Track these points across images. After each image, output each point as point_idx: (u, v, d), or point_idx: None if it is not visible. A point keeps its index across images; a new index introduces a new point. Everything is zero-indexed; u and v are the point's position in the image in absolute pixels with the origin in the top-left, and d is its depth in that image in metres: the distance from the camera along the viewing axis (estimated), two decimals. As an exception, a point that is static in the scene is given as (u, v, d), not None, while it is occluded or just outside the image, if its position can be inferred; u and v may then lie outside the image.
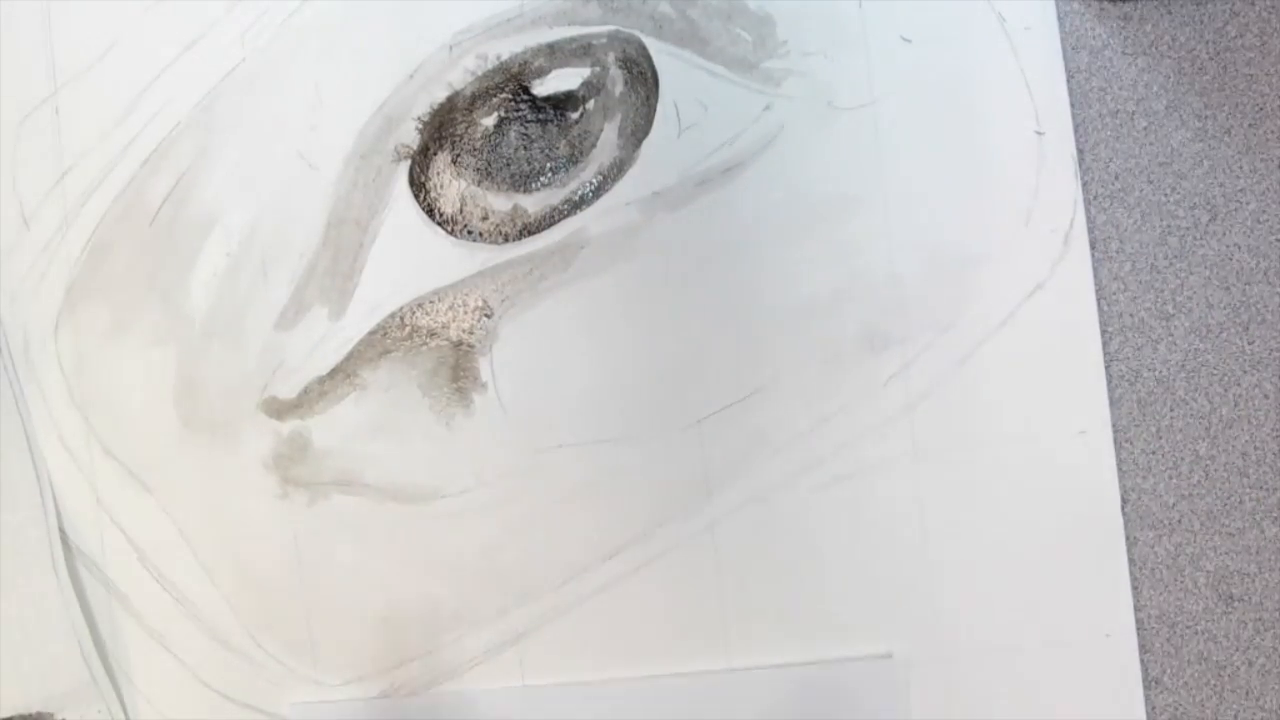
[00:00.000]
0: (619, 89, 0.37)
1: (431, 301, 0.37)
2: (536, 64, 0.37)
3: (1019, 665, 0.35)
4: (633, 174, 0.37)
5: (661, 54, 0.37)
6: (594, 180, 0.37)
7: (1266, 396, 0.37)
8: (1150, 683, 0.36)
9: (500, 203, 0.37)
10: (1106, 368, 0.37)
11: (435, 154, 0.37)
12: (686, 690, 0.36)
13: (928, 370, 0.37)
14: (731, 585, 0.37)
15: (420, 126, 0.37)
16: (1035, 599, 0.36)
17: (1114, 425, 0.37)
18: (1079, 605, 0.36)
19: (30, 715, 0.37)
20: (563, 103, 0.37)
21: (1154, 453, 0.37)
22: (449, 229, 0.37)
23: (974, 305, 0.37)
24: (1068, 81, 0.37)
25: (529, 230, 0.37)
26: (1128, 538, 0.36)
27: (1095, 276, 0.37)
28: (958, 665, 0.36)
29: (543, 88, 0.37)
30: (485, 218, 0.37)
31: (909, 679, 0.36)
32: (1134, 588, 0.36)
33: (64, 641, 0.37)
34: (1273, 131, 0.38)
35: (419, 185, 0.37)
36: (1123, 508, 0.37)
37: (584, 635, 0.37)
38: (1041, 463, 0.36)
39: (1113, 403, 0.37)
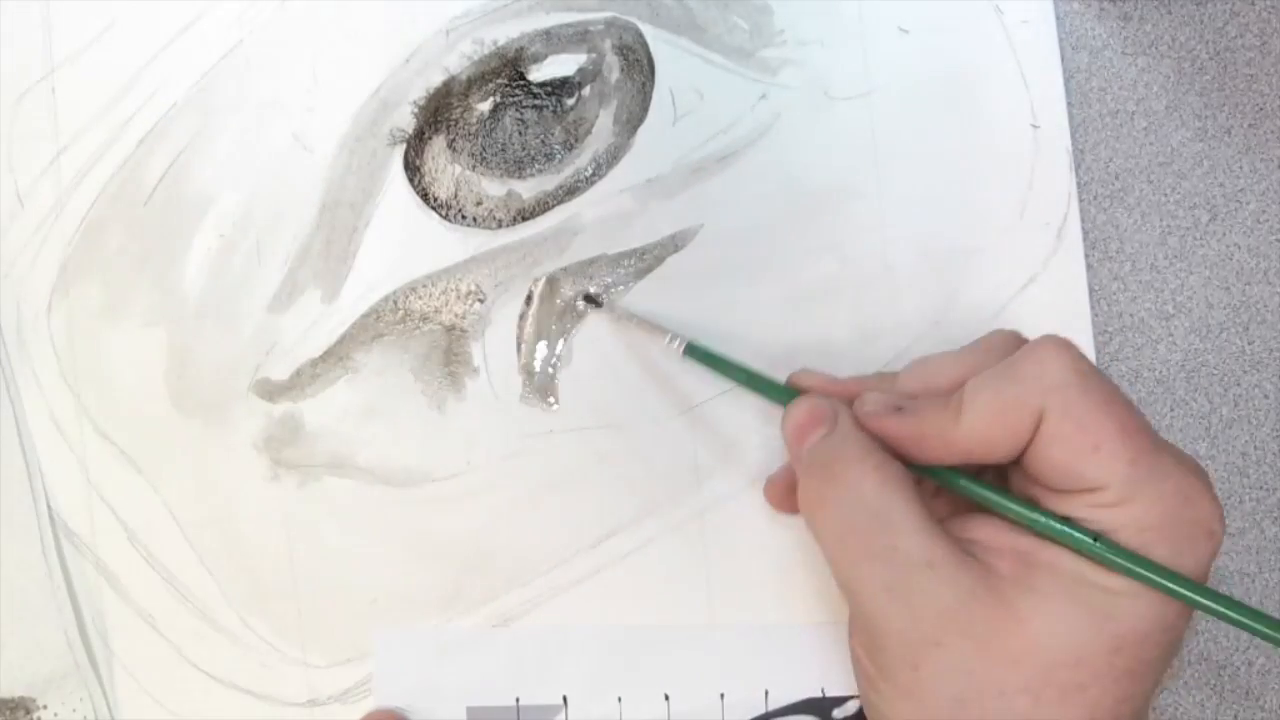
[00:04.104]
0: (615, 75, 0.33)
1: (425, 285, 0.34)
2: (533, 50, 0.33)
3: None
4: (627, 161, 0.34)
5: (658, 41, 0.34)
6: (589, 167, 0.33)
7: (1266, 396, 0.33)
8: (1148, 686, 0.32)
9: (495, 188, 0.33)
10: (1106, 368, 0.33)
11: (430, 138, 0.33)
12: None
13: None
14: (720, 573, 0.33)
15: (416, 111, 0.34)
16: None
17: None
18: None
19: (12, 701, 0.32)
20: (559, 89, 0.33)
21: (1154, 452, 0.33)
22: (443, 213, 0.34)
23: (966, 297, 0.34)
24: (1066, 82, 0.34)
25: (523, 216, 0.33)
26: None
27: (1095, 276, 0.34)
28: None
29: (539, 73, 0.33)
30: (479, 203, 0.33)
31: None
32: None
33: (50, 626, 0.33)
34: (1273, 131, 0.34)
35: (414, 169, 0.33)
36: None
37: (571, 621, 0.34)
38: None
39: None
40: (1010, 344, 0.27)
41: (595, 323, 0.34)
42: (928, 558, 0.25)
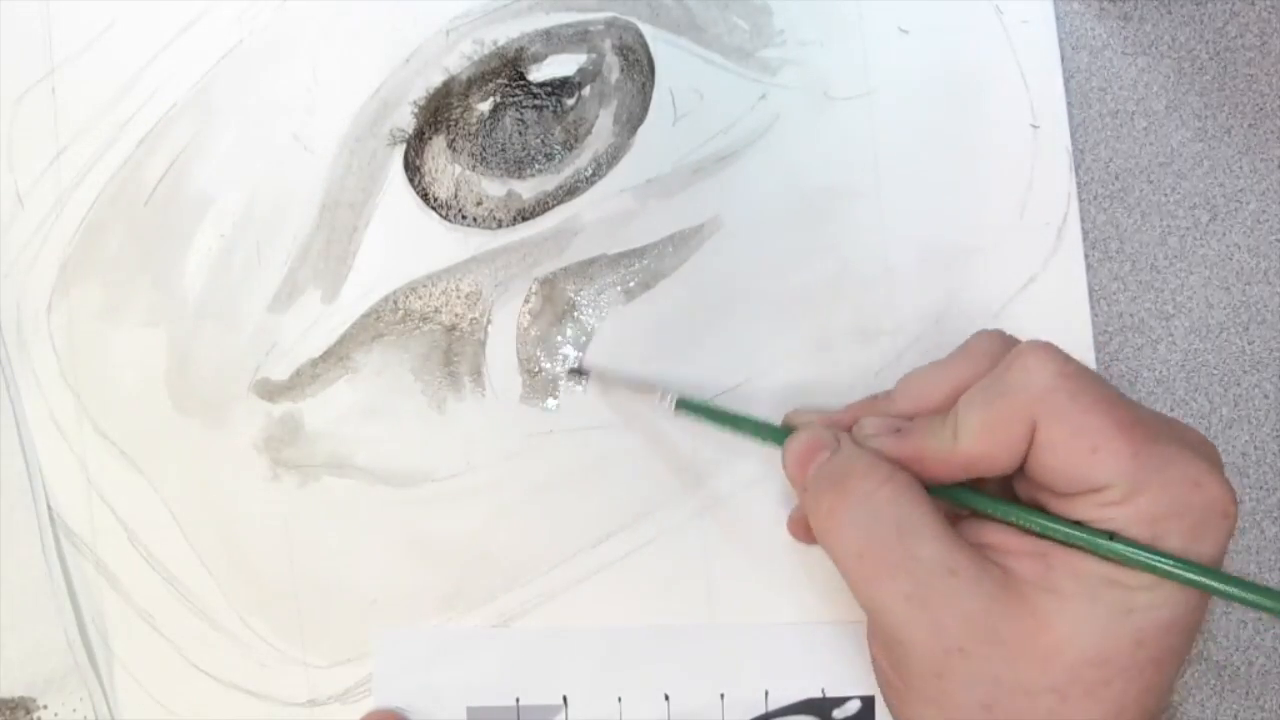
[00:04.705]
0: (615, 76, 0.33)
1: (425, 285, 0.34)
2: (533, 50, 0.33)
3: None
4: (627, 161, 0.34)
5: (658, 41, 0.34)
6: (589, 167, 0.33)
7: (1266, 396, 0.33)
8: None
9: (495, 188, 0.33)
10: (1106, 368, 0.33)
11: (430, 139, 0.33)
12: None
13: (919, 362, 0.33)
14: (720, 573, 0.33)
15: (416, 111, 0.34)
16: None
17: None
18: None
19: (12, 701, 0.32)
20: (559, 89, 0.33)
21: (1154, 452, 0.32)
22: (443, 214, 0.33)
23: (966, 297, 0.33)
24: (1066, 82, 0.34)
25: (523, 216, 0.33)
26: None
27: (1095, 276, 0.34)
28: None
29: (539, 73, 0.33)
30: (479, 203, 0.33)
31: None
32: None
33: (50, 626, 0.33)
34: (1273, 131, 0.34)
35: (414, 169, 0.33)
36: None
37: (571, 621, 0.33)
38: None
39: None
40: (996, 346, 0.27)
41: (594, 323, 0.34)
42: (949, 565, 0.24)
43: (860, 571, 0.26)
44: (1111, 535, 0.24)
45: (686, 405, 0.31)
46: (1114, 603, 0.24)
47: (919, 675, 0.25)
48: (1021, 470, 0.26)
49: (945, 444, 0.26)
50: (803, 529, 0.31)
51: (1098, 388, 0.25)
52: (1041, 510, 0.26)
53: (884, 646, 0.26)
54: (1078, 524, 0.25)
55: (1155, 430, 0.24)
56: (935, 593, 0.24)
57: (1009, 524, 0.26)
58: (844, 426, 0.28)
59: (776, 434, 0.29)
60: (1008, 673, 0.24)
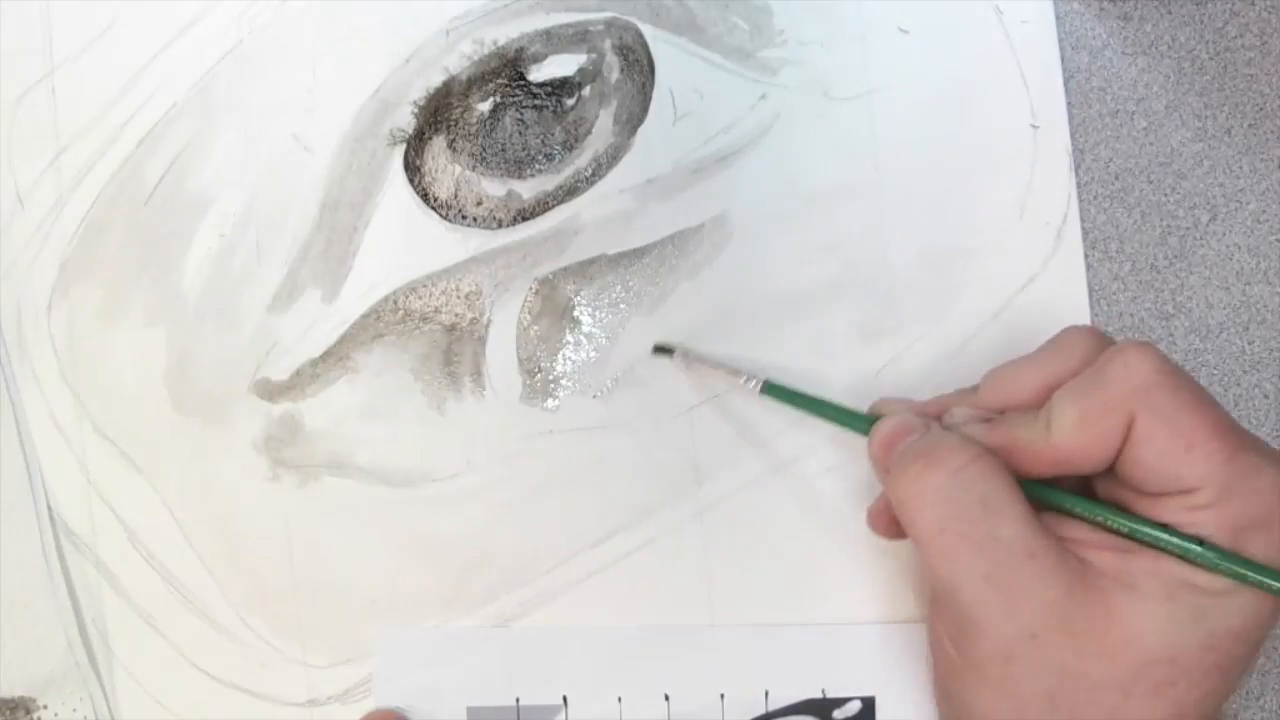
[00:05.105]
0: (615, 76, 0.33)
1: (425, 285, 0.34)
2: (533, 50, 0.33)
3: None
4: (627, 161, 0.34)
5: (658, 41, 0.34)
6: (589, 167, 0.33)
7: (1266, 396, 0.33)
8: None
9: (495, 188, 0.33)
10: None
11: (430, 139, 0.33)
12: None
13: (919, 362, 0.33)
14: (720, 573, 0.33)
15: (416, 111, 0.34)
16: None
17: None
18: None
19: (12, 701, 0.32)
20: (559, 89, 0.33)
21: (1154, 452, 0.32)
22: (443, 214, 0.34)
23: (966, 297, 0.33)
24: (1066, 82, 0.34)
25: (523, 216, 0.33)
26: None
27: (1095, 276, 0.34)
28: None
29: (539, 73, 0.33)
30: (480, 203, 0.33)
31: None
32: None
33: (50, 626, 0.33)
34: (1273, 131, 0.34)
35: (414, 169, 0.33)
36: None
37: (571, 621, 0.33)
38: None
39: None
40: (1088, 342, 0.27)
41: (594, 323, 0.34)
42: (1029, 548, 0.24)
43: (939, 546, 0.25)
44: (1201, 541, 0.24)
45: (773, 389, 0.31)
46: (1190, 606, 0.24)
47: (986, 657, 0.25)
48: (1109, 470, 0.25)
49: (1038, 436, 0.25)
50: (884, 521, 0.30)
51: (1196, 388, 0.25)
52: (1128, 512, 0.26)
53: (952, 625, 0.26)
54: (1166, 527, 0.25)
55: (1246, 438, 0.24)
56: (1013, 575, 0.24)
57: (1096, 524, 0.26)
58: (930, 416, 0.28)
59: (863, 421, 0.29)
60: (1075, 663, 0.24)
